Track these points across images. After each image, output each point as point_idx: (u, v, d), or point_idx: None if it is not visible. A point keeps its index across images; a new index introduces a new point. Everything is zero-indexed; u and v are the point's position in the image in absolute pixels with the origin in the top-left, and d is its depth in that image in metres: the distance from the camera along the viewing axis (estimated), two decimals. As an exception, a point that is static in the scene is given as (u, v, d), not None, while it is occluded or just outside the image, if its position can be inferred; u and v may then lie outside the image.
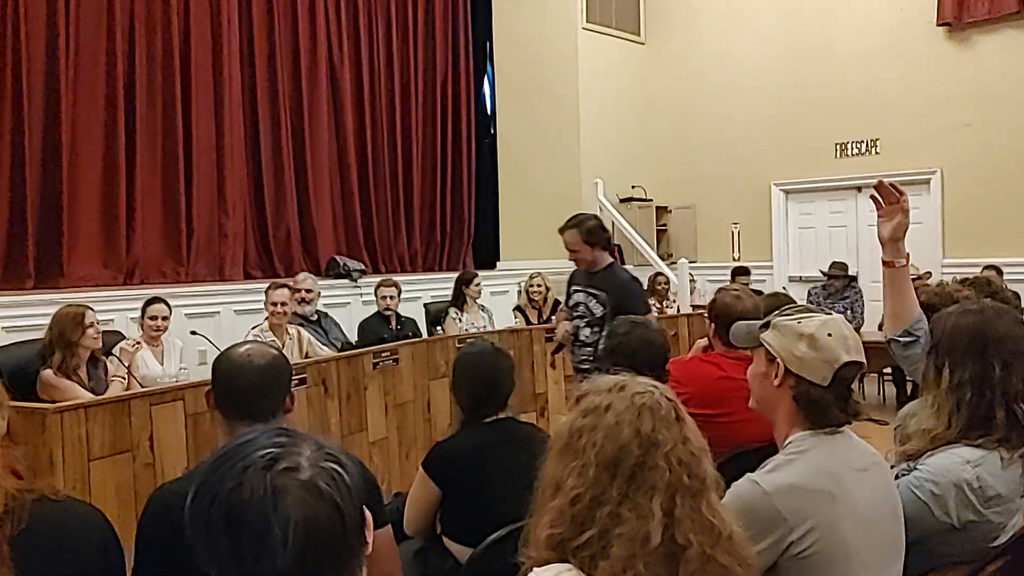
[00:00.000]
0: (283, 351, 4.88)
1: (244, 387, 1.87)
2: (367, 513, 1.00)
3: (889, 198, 2.30)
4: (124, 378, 4.35)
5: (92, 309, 4.33)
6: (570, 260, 4.40)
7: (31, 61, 5.76)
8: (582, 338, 4.23)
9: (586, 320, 4.21)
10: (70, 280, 5.85)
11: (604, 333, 3.49)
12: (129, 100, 6.28)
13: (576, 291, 4.32)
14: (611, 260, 4.31)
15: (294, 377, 4.08)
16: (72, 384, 4.04)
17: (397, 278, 6.83)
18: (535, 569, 1.25)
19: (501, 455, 2.39)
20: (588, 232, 4.18)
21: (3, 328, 5.01)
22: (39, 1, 5.80)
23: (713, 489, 1.31)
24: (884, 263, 2.34)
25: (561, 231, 4.29)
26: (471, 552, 2.27)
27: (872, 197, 2.35)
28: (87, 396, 3.84)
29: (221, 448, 0.99)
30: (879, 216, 2.33)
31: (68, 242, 5.90)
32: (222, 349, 2.06)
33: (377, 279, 6.66)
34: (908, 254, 2.33)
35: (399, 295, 6.28)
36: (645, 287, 8.00)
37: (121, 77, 6.22)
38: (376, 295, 6.30)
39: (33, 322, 4.75)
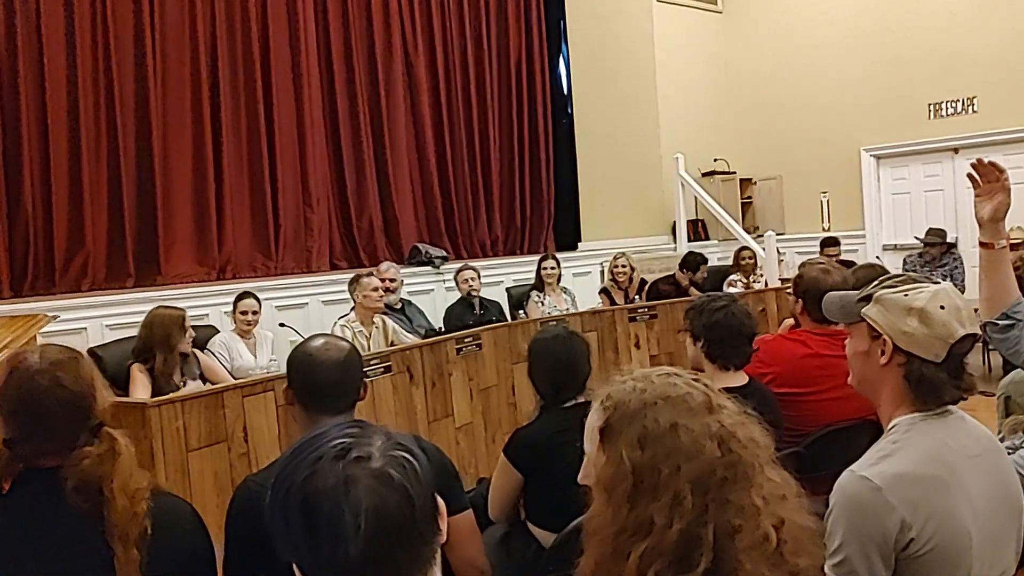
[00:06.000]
0: (371, 340, 5.01)
1: (324, 381, 1.90)
2: (439, 501, 1.02)
3: (988, 176, 2.19)
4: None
5: (184, 311, 4.45)
6: None
7: (121, 70, 6.00)
8: None
9: None
10: (167, 278, 6.11)
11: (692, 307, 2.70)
12: (214, 104, 6.49)
13: None
14: None
15: (380, 365, 4.17)
16: (143, 380, 4.16)
17: (479, 263, 6.85)
18: None
19: (581, 440, 2.37)
20: None
21: (107, 326, 5.28)
22: (126, 11, 6.03)
23: (766, 452, 1.24)
24: (982, 244, 2.22)
25: None
26: (554, 537, 2.27)
27: (969, 176, 2.24)
28: (144, 395, 3.96)
29: (299, 441, 1.02)
30: (976, 196, 2.22)
31: (164, 242, 6.15)
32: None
33: (457, 265, 6.71)
34: (1008, 234, 2.21)
35: (479, 277, 6.33)
36: (731, 262, 7.89)
37: (205, 81, 6.43)
38: (457, 282, 6.37)
39: (134, 320, 4.93)
